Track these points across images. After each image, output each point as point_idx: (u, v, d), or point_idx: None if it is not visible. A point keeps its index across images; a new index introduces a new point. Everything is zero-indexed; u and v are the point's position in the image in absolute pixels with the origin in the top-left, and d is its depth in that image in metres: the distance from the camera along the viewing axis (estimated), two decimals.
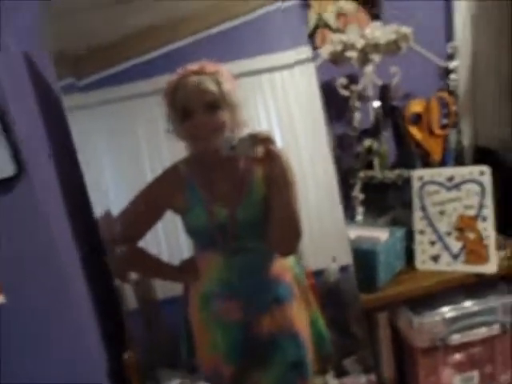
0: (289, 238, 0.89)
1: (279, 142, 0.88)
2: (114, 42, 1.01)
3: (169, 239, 1.06)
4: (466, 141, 1.43)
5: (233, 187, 0.91)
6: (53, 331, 0.91)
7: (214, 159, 0.90)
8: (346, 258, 1.07)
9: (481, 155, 1.45)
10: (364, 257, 1.08)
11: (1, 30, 0.83)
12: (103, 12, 1.00)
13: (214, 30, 1.01)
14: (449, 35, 1.38)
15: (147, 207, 0.95)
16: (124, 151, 1.07)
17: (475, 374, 1.22)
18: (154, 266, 1.00)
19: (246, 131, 0.83)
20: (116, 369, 1.05)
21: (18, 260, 0.87)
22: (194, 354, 0.97)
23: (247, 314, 0.92)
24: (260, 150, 0.80)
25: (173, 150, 0.98)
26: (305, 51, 1.05)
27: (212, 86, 0.85)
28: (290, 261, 0.97)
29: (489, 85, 1.43)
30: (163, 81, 0.91)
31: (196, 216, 0.90)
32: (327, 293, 1.08)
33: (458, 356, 1.19)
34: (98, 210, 0.99)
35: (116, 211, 0.99)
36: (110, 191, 1.05)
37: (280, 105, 1.07)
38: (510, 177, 1.35)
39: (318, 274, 1.10)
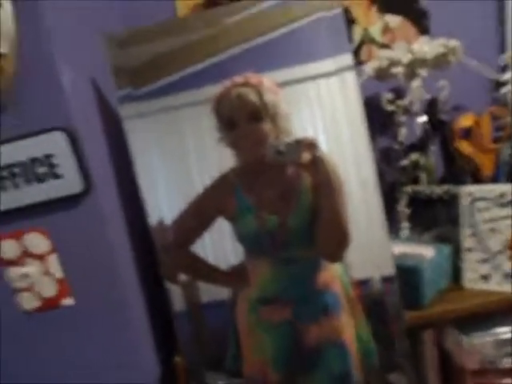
0: (337, 243, 0.90)
1: (324, 149, 0.91)
2: (168, 53, 1.08)
3: (215, 247, 1.09)
4: None
5: (281, 194, 0.92)
6: (108, 334, 1.00)
7: (261, 166, 0.92)
8: (389, 269, 1.07)
9: None
10: (408, 274, 1.07)
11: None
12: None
13: (259, 41, 1.05)
14: (501, 47, 1.34)
15: (198, 215, 0.98)
16: (175, 159, 1.12)
17: None
18: (204, 270, 1.03)
19: (291, 137, 0.85)
20: (166, 372, 1.12)
21: (83, 268, 0.96)
22: (240, 359, 1.00)
23: (297, 317, 0.93)
24: (306, 156, 0.82)
25: (220, 159, 1.03)
26: (346, 59, 1.06)
27: (254, 98, 0.87)
28: (338, 270, 0.97)
29: None
30: (212, 91, 0.95)
31: (246, 223, 0.93)
32: (371, 303, 1.07)
33: (508, 380, 1.15)
34: (152, 217, 1.05)
35: (168, 218, 1.04)
36: (163, 199, 1.10)
37: (325, 112, 1.09)
38: None
39: (363, 283, 1.09)
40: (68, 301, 0.98)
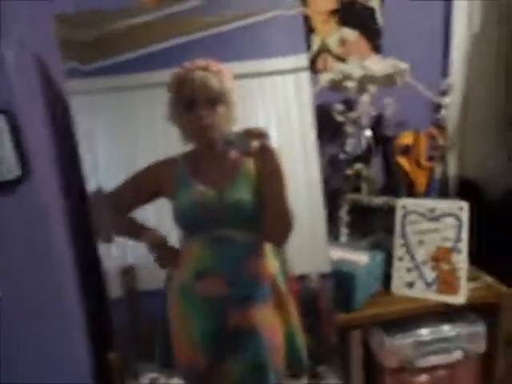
0: (283, 228, 0.95)
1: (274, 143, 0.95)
2: (119, 33, 1.05)
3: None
4: (452, 173, 1.51)
5: (222, 173, 0.97)
6: (43, 327, 0.95)
7: (209, 151, 0.98)
8: (326, 267, 1.13)
9: (465, 187, 1.53)
10: (343, 278, 1.14)
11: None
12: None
13: (216, 31, 1.06)
14: (444, 72, 1.45)
15: (137, 185, 1.02)
16: (120, 140, 1.10)
17: None
18: (140, 233, 1.03)
19: (241, 127, 0.89)
20: (100, 366, 1.10)
21: (16, 258, 0.91)
22: (169, 349, 1.00)
23: (230, 293, 0.95)
24: (255, 145, 0.86)
25: (167, 143, 1.06)
26: (301, 59, 1.10)
27: (215, 83, 0.94)
28: (274, 264, 1.00)
29: (478, 120, 1.50)
30: (163, 75, 0.98)
31: (184, 197, 0.96)
32: (307, 298, 1.12)
33: (423, 378, 1.26)
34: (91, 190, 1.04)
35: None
36: (105, 181, 1.08)
37: (278, 108, 1.12)
38: (491, 209, 1.43)
39: (300, 279, 1.12)
40: None
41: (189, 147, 1.02)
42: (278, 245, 1.01)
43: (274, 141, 0.96)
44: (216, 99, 0.94)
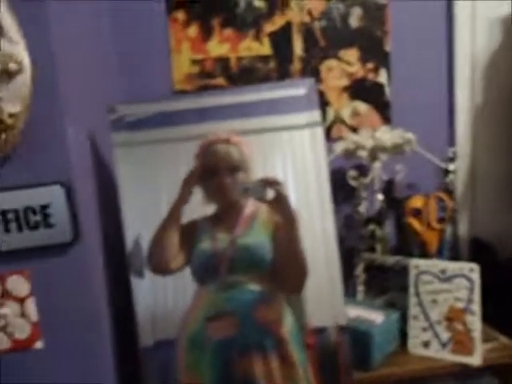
0: (295, 275, 0.99)
1: (292, 196, 1.02)
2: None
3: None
4: (462, 233, 1.58)
5: (239, 221, 1.05)
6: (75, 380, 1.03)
7: (229, 208, 1.08)
8: (343, 319, 1.15)
9: (476, 247, 1.59)
10: (360, 337, 1.19)
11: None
12: None
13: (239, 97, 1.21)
14: (450, 140, 1.57)
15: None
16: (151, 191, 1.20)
17: None
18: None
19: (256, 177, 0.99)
20: None
21: (59, 314, 1.01)
22: None
23: (240, 331, 0.96)
24: (270, 193, 0.93)
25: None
26: (315, 115, 1.19)
27: (236, 154, 1.05)
28: (286, 319, 1.02)
29: (486, 184, 1.60)
30: (192, 130, 1.13)
31: (202, 242, 1.04)
32: (325, 352, 1.13)
33: None
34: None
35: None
36: (142, 222, 1.16)
37: (295, 161, 1.19)
38: (504, 269, 1.48)
39: (319, 332, 1.14)
40: (38, 344, 1.02)
41: (211, 208, 1.11)
42: (292, 293, 1.06)
43: (292, 194, 1.05)
44: (236, 167, 1.04)
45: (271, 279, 1.02)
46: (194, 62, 1.49)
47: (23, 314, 1.01)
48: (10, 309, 1.01)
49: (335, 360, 1.16)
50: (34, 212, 0.98)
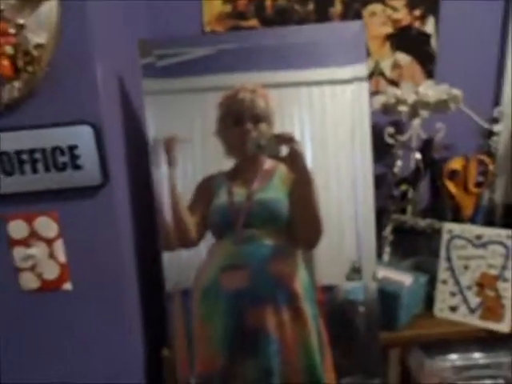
0: (310, 232, 0.99)
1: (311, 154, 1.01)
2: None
3: None
4: (499, 200, 1.51)
5: (256, 176, 1.04)
6: (101, 323, 1.04)
7: (249, 162, 1.06)
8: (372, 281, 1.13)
9: (510, 215, 1.52)
10: (388, 298, 1.17)
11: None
12: None
13: (277, 39, 1.11)
14: (496, 100, 1.46)
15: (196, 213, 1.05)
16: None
17: None
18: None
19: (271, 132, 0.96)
20: (154, 364, 1.17)
21: (89, 256, 1.00)
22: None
23: (251, 283, 0.97)
24: (284, 150, 0.90)
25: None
26: (362, 69, 1.10)
27: (262, 104, 1.03)
28: (300, 272, 1.02)
29: None
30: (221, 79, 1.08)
31: (219, 197, 1.03)
32: (335, 309, 1.14)
33: None
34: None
35: None
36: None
37: (335, 116, 1.13)
38: None
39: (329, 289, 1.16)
40: (66, 285, 1.02)
41: (229, 162, 1.08)
42: (307, 249, 1.05)
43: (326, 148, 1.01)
44: (261, 117, 1.02)
45: (286, 234, 1.01)
46: (227, 0, 1.38)
47: (52, 255, 1.01)
48: (38, 249, 1.00)
49: (356, 318, 1.16)
50: (62, 152, 0.94)
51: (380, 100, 1.33)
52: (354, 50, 1.07)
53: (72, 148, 0.93)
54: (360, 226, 1.18)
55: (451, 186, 1.39)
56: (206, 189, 1.07)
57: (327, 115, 1.15)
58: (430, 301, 1.30)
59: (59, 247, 1.00)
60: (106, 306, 1.04)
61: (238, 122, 1.02)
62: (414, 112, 1.32)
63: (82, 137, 0.93)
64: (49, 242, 0.99)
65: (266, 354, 0.96)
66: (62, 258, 1.01)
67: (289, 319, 0.98)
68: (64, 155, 0.94)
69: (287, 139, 0.90)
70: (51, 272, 1.01)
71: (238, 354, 0.98)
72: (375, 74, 1.46)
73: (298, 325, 0.99)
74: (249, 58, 1.10)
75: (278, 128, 1.06)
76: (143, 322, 1.16)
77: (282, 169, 1.03)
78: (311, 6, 1.39)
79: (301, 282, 1.01)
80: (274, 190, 1.02)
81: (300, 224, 0.99)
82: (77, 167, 0.95)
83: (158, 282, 1.14)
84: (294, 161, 0.91)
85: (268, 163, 1.06)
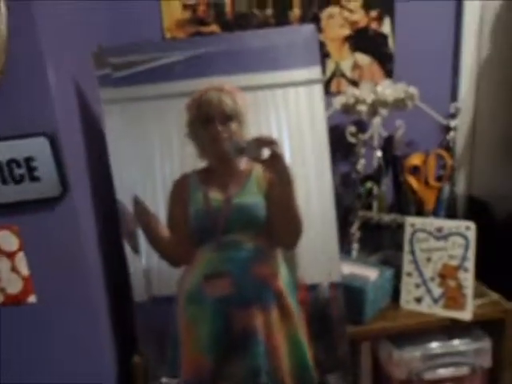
0: (291, 232, 1.00)
1: (286, 154, 0.99)
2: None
3: None
4: (460, 192, 1.57)
5: (231, 180, 1.04)
6: (70, 334, 1.04)
7: (222, 163, 1.05)
8: (338, 276, 1.16)
9: (473, 206, 1.58)
10: (354, 293, 1.20)
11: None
12: None
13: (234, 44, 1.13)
14: (453, 96, 1.51)
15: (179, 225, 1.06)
16: (142, 147, 1.15)
17: None
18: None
19: (251, 136, 0.96)
20: (124, 372, 1.17)
21: (52, 266, 1.00)
22: (177, 359, 1.04)
23: (235, 291, 0.98)
24: (264, 152, 0.91)
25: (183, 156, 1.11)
26: (315, 71, 1.12)
27: (230, 102, 1.03)
28: (282, 272, 1.04)
29: (486, 142, 1.56)
30: (183, 85, 1.08)
31: (195, 203, 1.03)
32: (317, 308, 1.14)
33: None
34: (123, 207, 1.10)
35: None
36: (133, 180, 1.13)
37: (290, 120, 1.15)
38: (499, 228, 1.48)
39: (311, 289, 1.15)
40: (31, 298, 1.01)
41: (203, 163, 1.08)
42: (287, 249, 1.07)
43: (287, 152, 1.01)
44: (230, 116, 1.02)
45: (266, 236, 1.02)
46: (186, 6, 1.39)
47: (14, 269, 1.00)
48: (0, 263, 0.99)
49: (327, 316, 1.18)
50: (19, 165, 0.93)
51: (340, 100, 1.36)
52: (306, 53, 1.09)
53: (28, 160, 0.93)
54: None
55: (413, 182, 1.43)
56: (182, 192, 1.07)
57: (284, 118, 1.16)
58: (397, 293, 1.34)
59: (21, 260, 0.99)
60: (73, 317, 1.03)
61: (208, 123, 1.02)
62: (373, 111, 1.36)
63: (37, 148, 0.92)
64: (10, 255, 0.98)
65: (254, 355, 0.98)
66: (24, 271, 1.00)
67: (276, 317, 1.00)
68: (20, 167, 0.93)
69: (268, 142, 0.91)
70: (14, 286, 1.00)
71: (226, 356, 1.00)
72: (336, 75, 1.50)
73: (286, 322, 1.02)
74: (209, 64, 1.11)
75: (245, 130, 1.06)
76: (112, 331, 1.15)
77: (258, 170, 1.05)
78: (270, 11, 1.41)
79: (283, 280, 1.03)
80: (251, 194, 1.02)
81: (280, 225, 1.00)
82: (34, 179, 0.94)
83: (126, 290, 1.14)
84: (275, 163, 0.92)
85: (242, 164, 1.06)
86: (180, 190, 1.08)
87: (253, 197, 1.02)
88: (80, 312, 1.04)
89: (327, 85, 1.48)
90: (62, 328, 1.03)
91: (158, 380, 1.10)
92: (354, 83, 1.48)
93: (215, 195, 1.03)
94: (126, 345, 1.19)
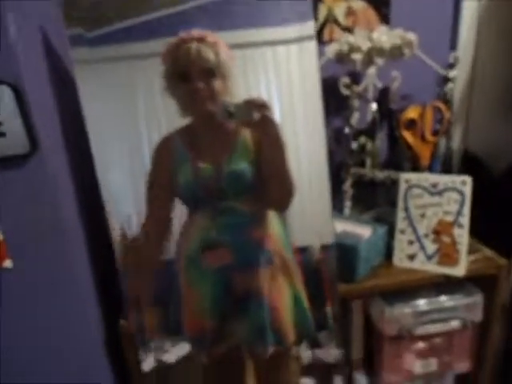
0: (285, 193, 0.96)
1: (277, 114, 0.95)
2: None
3: None
4: (456, 147, 1.51)
5: (219, 145, 0.98)
6: (54, 298, 0.99)
7: (204, 123, 0.98)
8: (329, 238, 1.15)
9: (468, 162, 1.53)
10: (346, 251, 1.17)
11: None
12: None
13: None
14: (452, 45, 1.42)
15: (160, 187, 1.01)
16: (124, 110, 1.10)
17: (434, 361, 1.35)
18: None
19: (241, 98, 0.87)
20: (111, 336, 1.14)
21: (27, 231, 0.93)
22: (179, 317, 1.03)
23: (235, 261, 0.97)
24: (256, 115, 0.84)
25: (168, 113, 1.03)
26: (308, 28, 1.06)
27: (211, 55, 0.91)
28: (277, 231, 1.02)
29: (485, 95, 1.49)
30: (160, 44, 0.96)
31: (184, 174, 0.97)
32: (308, 269, 1.13)
33: (420, 345, 1.32)
34: (100, 171, 1.05)
35: (117, 172, 1.08)
36: (112, 150, 1.09)
37: (280, 78, 1.10)
38: (494, 184, 1.44)
39: (302, 250, 1.15)
40: (6, 263, 0.95)
41: (186, 121, 1.01)
42: (280, 210, 1.03)
43: (277, 113, 0.96)
44: (212, 72, 0.92)
45: (259, 200, 0.98)
46: None
47: None
48: None
49: (319, 278, 1.18)
50: None
51: (333, 48, 1.26)
52: (298, 7, 1.01)
53: None
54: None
55: (408, 136, 1.37)
56: (165, 156, 0.99)
57: (275, 78, 1.11)
58: (390, 251, 1.31)
59: None
60: (52, 280, 0.98)
61: (186, 77, 0.92)
62: (368, 60, 1.27)
63: (1, 99, 0.83)
64: None
65: (257, 315, 0.97)
66: None
67: (276, 276, 0.99)
68: None
69: (259, 105, 0.84)
70: None
71: (229, 317, 0.99)
72: (329, 21, 1.39)
73: (286, 279, 1.01)
74: (192, 21, 1.00)
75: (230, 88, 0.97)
76: (97, 296, 1.11)
77: (245, 133, 0.98)
78: None
79: (280, 240, 1.02)
80: (241, 159, 0.96)
81: (272, 188, 0.96)
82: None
83: (109, 250, 1.09)
84: (266, 127, 0.87)
85: (228, 126, 0.98)
86: (162, 154, 1.01)
87: (243, 162, 0.96)
88: (60, 277, 0.98)
89: (319, 33, 1.38)
90: (40, 292, 0.98)
91: (147, 344, 1.08)
92: (348, 30, 1.38)
93: (205, 166, 0.97)
94: (111, 308, 1.16)
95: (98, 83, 1.04)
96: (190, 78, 0.92)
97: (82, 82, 1.02)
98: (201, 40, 0.92)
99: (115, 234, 1.09)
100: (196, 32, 0.93)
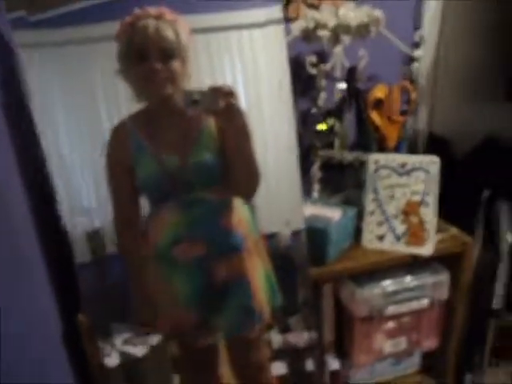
0: (252, 181, 0.94)
1: (242, 100, 0.90)
2: None
3: None
4: (422, 128, 1.52)
5: (181, 135, 0.92)
6: (9, 295, 0.91)
7: (164, 110, 0.92)
8: (299, 224, 1.14)
9: (433, 143, 1.54)
10: (316, 234, 1.15)
11: None
12: None
13: None
14: (417, 23, 1.41)
15: (120, 187, 0.96)
16: (79, 96, 1.04)
17: (403, 339, 1.37)
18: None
19: (206, 84, 0.82)
20: (70, 330, 1.07)
21: None
22: (147, 311, 1.01)
23: (209, 252, 0.95)
24: (221, 103, 0.80)
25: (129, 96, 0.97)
26: (276, 11, 1.05)
27: (171, 34, 0.85)
28: (245, 214, 1.00)
29: (449, 74, 1.50)
30: (113, 27, 0.88)
31: (144, 166, 0.91)
32: (278, 256, 1.12)
33: (390, 324, 1.33)
34: (51, 159, 0.99)
35: (70, 158, 1.04)
36: (64, 138, 1.04)
37: (246, 63, 1.07)
38: (458, 164, 1.46)
39: (271, 237, 1.16)
40: None
41: (140, 106, 0.94)
42: (246, 198, 1.01)
43: (243, 100, 0.92)
44: (171, 52, 0.86)
45: (227, 188, 0.95)
46: None
47: None
48: None
49: (288, 263, 1.17)
50: None
51: (299, 25, 1.22)
52: None
53: None
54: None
55: (375, 116, 1.36)
56: (120, 145, 0.93)
57: (240, 63, 1.08)
58: (360, 233, 1.30)
59: None
60: (7, 275, 0.90)
61: (142, 58, 0.84)
62: (335, 38, 1.24)
63: None
64: None
65: (241, 296, 0.96)
66: None
67: (250, 258, 0.98)
68: None
69: (225, 92, 0.80)
70: None
71: (212, 306, 0.97)
72: None
73: (258, 259, 1.01)
74: (150, 2, 0.92)
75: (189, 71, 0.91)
76: (53, 288, 1.04)
77: (209, 122, 0.92)
78: None
79: (249, 224, 1.01)
80: (207, 149, 0.92)
81: (238, 175, 0.93)
82: None
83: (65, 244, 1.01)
84: (232, 116, 0.83)
85: (191, 113, 0.91)
86: (117, 145, 0.95)
87: (209, 152, 0.92)
88: (15, 273, 0.90)
89: (285, 9, 1.32)
90: None
91: (107, 338, 1.02)
92: (314, 7, 1.33)
93: (169, 158, 0.91)
94: (69, 304, 1.09)
95: (49, 69, 0.98)
96: (147, 57, 0.84)
97: (29, 68, 0.94)
98: (159, 17, 0.85)
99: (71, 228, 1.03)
100: (153, 9, 0.86)
